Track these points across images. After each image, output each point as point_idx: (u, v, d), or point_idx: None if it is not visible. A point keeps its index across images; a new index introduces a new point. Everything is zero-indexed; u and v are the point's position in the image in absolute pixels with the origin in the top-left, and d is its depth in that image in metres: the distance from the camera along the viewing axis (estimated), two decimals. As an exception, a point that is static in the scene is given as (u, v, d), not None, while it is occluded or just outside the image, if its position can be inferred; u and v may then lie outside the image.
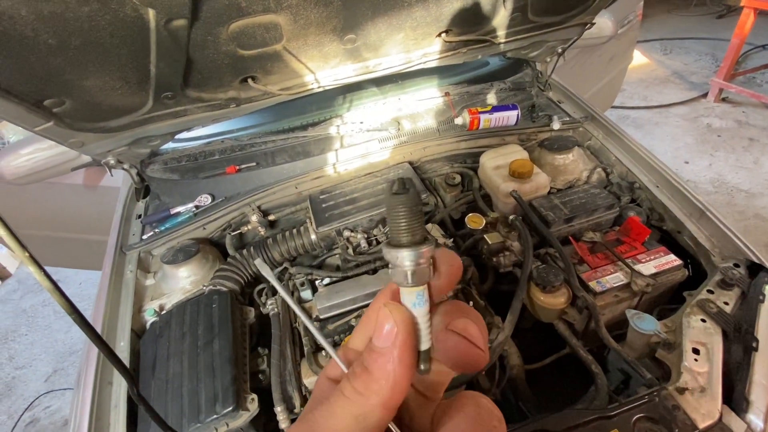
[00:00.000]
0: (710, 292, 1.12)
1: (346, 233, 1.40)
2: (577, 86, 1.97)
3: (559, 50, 1.67)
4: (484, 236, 1.42)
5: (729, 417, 0.90)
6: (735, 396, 0.94)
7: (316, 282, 1.37)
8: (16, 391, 2.73)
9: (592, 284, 1.20)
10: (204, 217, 1.50)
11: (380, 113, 1.74)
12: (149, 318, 1.30)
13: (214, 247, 1.53)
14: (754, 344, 0.96)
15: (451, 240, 1.46)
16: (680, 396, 0.94)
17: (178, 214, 1.54)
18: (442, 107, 1.77)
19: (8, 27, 0.76)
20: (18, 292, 3.59)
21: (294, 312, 1.26)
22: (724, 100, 4.09)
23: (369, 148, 1.62)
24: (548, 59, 1.75)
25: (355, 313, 1.21)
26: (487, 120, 1.64)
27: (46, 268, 0.42)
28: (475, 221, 1.46)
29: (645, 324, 1.06)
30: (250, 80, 1.23)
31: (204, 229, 1.51)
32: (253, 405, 1.07)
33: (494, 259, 1.41)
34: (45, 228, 2.37)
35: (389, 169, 1.57)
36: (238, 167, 1.58)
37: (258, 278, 1.48)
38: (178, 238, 1.49)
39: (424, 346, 0.31)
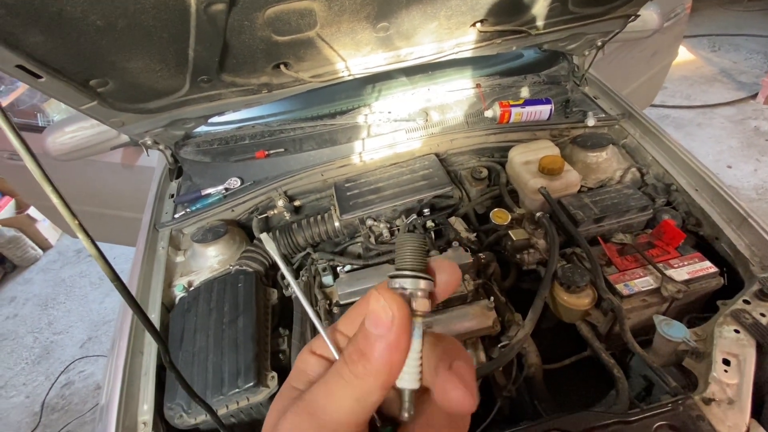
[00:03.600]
0: (746, 302, 1.07)
1: (369, 222, 1.41)
2: (616, 82, 1.89)
3: (599, 43, 1.60)
4: (509, 232, 1.40)
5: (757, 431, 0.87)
6: (765, 411, 0.90)
7: (338, 268, 1.40)
8: (54, 355, 2.93)
9: (619, 287, 1.16)
10: (233, 199, 1.54)
11: (408, 103, 1.73)
12: (178, 293, 1.36)
13: (242, 229, 1.58)
14: (791, 359, 0.92)
15: (474, 234, 1.44)
16: (706, 407, 0.91)
17: (208, 195, 1.60)
18: (473, 99, 1.74)
19: (60, 8, 0.80)
20: (58, 262, 3.82)
21: (315, 295, 1.29)
22: (776, 101, 3.83)
23: (396, 138, 1.62)
24: (586, 52, 1.69)
25: (375, 301, 1.23)
26: (518, 114, 1.60)
27: (79, 241, 0.45)
28: (500, 217, 1.44)
29: (674, 331, 1.03)
30: (282, 66, 1.25)
31: (232, 211, 1.56)
32: (273, 382, 1.11)
33: (518, 256, 1.39)
34: (84, 203, 2.51)
35: (415, 160, 1.57)
36: (267, 152, 1.62)
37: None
38: (207, 219, 1.54)
39: (411, 384, 0.30)
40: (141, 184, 2.02)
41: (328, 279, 1.38)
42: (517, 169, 1.54)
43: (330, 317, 1.22)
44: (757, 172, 3.20)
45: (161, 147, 1.58)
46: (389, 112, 1.70)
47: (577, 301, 1.18)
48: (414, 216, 1.47)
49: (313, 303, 1.28)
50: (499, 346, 1.21)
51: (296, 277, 1.37)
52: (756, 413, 0.89)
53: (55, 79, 0.98)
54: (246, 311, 1.19)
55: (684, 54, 4.90)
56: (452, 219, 1.52)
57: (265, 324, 1.24)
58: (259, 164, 1.61)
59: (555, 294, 1.22)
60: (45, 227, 3.93)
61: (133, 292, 1.30)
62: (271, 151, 1.62)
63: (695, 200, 1.33)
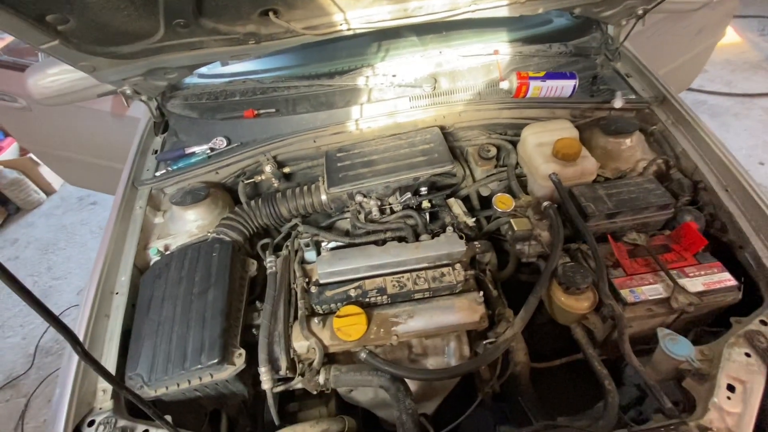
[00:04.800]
0: (763, 323, 0.96)
1: (359, 198, 1.30)
2: (653, 60, 1.68)
3: (640, 11, 1.39)
4: (511, 220, 1.28)
5: (757, 470, 0.78)
6: (769, 447, 0.81)
7: (323, 244, 1.31)
8: (51, 300, 2.97)
9: (624, 292, 1.05)
10: (218, 160, 1.44)
11: (416, 67, 1.56)
12: (153, 257, 1.30)
13: (227, 194, 1.49)
14: (809, 394, 0.81)
15: (474, 219, 1.33)
16: (703, 436, 0.82)
17: (192, 154, 1.49)
18: (488, 67, 1.56)
19: None
20: (60, 208, 3.82)
21: (294, 270, 1.21)
22: (825, 95, 3.49)
23: (398, 105, 1.47)
24: (624, 22, 1.48)
25: (356, 284, 1.14)
26: (537, 88, 1.43)
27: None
28: (503, 202, 1.31)
29: (678, 348, 0.93)
30: (271, 14, 1.10)
31: (217, 173, 1.46)
32: (240, 360, 1.05)
33: (518, 247, 1.28)
34: (73, 150, 2.43)
35: (417, 133, 1.43)
36: (256, 112, 1.49)
37: (267, 230, 1.44)
38: (189, 180, 1.45)
39: None
40: (131, 135, 1.92)
41: (311, 255, 1.29)
42: (529, 151, 1.39)
43: (307, 296, 1.15)
44: (792, 171, 2.96)
45: (143, 98, 1.46)
46: (394, 76, 1.53)
47: (575, 304, 1.07)
48: (408, 195, 1.35)
49: (291, 279, 1.20)
50: (484, 342, 1.13)
51: (275, 250, 1.28)
52: (757, 449, 0.80)
53: (6, 12, 0.86)
54: (218, 283, 1.12)
55: (731, 35, 4.46)
56: (451, 200, 1.40)
57: (239, 297, 1.17)
58: (247, 124, 1.49)
59: (552, 293, 1.12)
60: (48, 172, 3.90)
61: (104, 252, 1.24)
62: (261, 111, 1.49)
63: (723, 202, 1.18)
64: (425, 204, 1.37)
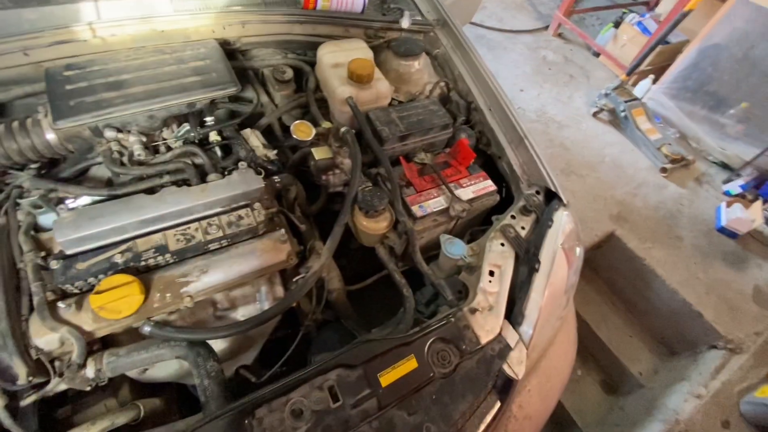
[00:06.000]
0: (513, 217, 1.19)
1: (110, 134, 0.98)
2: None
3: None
4: (312, 150, 1.20)
5: (507, 331, 1.00)
6: (514, 311, 1.04)
7: (67, 202, 0.97)
8: None
9: (415, 208, 1.14)
10: None
11: (178, -42, 1.20)
12: None
13: None
14: (536, 266, 1.06)
15: (275, 152, 1.19)
16: (471, 316, 0.99)
17: None
18: (271, -31, 1.33)
19: None
20: None
21: (20, 243, 0.87)
22: (560, 35, 4.51)
23: (155, 7, 1.12)
24: (408, -64, 1.45)
25: (123, 246, 0.90)
26: None
27: None
28: (302, 131, 1.21)
29: (455, 249, 1.07)
30: None
31: None
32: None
33: (323, 177, 1.22)
34: None
35: (185, 46, 1.13)
36: None
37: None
38: None
39: None
40: None
41: (48, 219, 0.95)
42: (326, 72, 1.30)
43: (46, 275, 0.84)
44: (539, 96, 3.81)
45: None
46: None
47: (375, 226, 1.11)
48: (187, 126, 1.10)
49: (15, 256, 0.86)
50: (294, 279, 1.09)
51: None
52: (508, 315, 1.02)
53: None
54: None
55: (503, -24, 5.19)
56: (247, 131, 1.21)
57: None
58: None
59: (355, 218, 1.13)
60: None
61: None
62: None
63: (488, 120, 1.37)
64: (214, 137, 1.15)
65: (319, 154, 1.19)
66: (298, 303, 1.19)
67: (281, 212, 1.13)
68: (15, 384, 0.79)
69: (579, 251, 1.20)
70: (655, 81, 3.36)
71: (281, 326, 1.25)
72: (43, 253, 0.87)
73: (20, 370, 0.78)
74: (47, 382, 0.84)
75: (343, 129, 1.20)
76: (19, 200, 0.92)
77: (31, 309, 0.83)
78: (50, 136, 0.94)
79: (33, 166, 1.01)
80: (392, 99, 1.37)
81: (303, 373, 0.85)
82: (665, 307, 2.31)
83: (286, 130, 1.36)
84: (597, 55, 4.22)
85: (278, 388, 0.81)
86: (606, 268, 2.60)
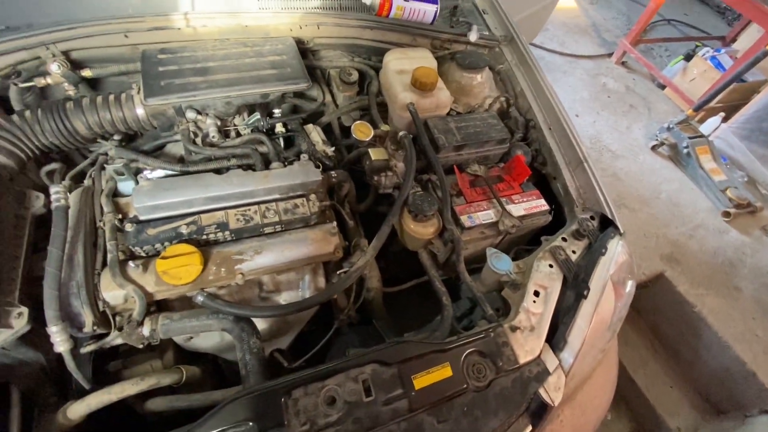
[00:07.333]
0: (564, 239, 1.16)
1: (191, 114, 1.06)
2: (505, 3, 1.75)
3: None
4: (369, 150, 1.23)
5: (547, 354, 0.97)
6: (556, 336, 1.01)
7: (144, 173, 1.05)
8: None
9: (463, 218, 1.14)
10: (-39, 48, 0.98)
11: (267, -40, 1.29)
12: None
13: (-10, 100, 1.05)
14: (585, 292, 1.02)
15: (333, 149, 1.24)
16: (512, 333, 0.97)
17: None
18: (351, -24, 1.39)
19: None
20: None
21: (101, 204, 0.95)
22: (623, 63, 4.36)
23: (243, 4, 1.21)
24: (485, -47, 1.47)
25: (189, 219, 0.96)
26: (400, 8, 1.34)
27: None
28: (362, 131, 1.25)
29: (501, 264, 1.06)
30: None
31: (-36, 67, 1.00)
32: (20, 321, 0.80)
33: (375, 178, 1.25)
34: None
35: (266, 41, 1.20)
36: (25, -19, 1.04)
37: (63, 153, 1.09)
38: None
39: None
40: None
41: (126, 185, 1.03)
42: (390, 78, 1.33)
43: (121, 236, 0.92)
44: (595, 123, 3.69)
45: None
46: (237, -34, 1.24)
47: (422, 230, 1.12)
48: (257, 116, 1.17)
49: (96, 216, 0.94)
50: (338, 273, 1.11)
51: (64, 177, 0.98)
52: (550, 339, 0.99)
53: None
54: (-31, 223, 0.80)
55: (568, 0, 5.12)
56: (309, 126, 1.27)
57: (12, 241, 0.87)
58: (12, -1, 1.04)
59: (403, 221, 1.15)
60: None
61: None
62: (34, -19, 1.05)
63: (547, 139, 1.35)
64: (279, 128, 1.21)
65: (376, 155, 1.22)
66: (336, 299, 1.22)
67: (333, 206, 1.17)
68: (81, 331, 0.86)
69: (630, 285, 1.14)
70: (725, 119, 3.16)
71: (313, 319, 1.28)
72: (120, 216, 0.95)
73: (87, 319, 0.85)
74: (106, 335, 0.91)
75: (401, 133, 1.23)
76: (105, 165, 1.01)
77: (103, 265, 0.91)
78: (140, 111, 1.03)
79: (116, 137, 1.11)
80: (451, 109, 1.38)
81: (340, 362, 0.86)
82: (714, 361, 2.14)
83: (343, 129, 1.41)
84: (662, 87, 4.03)
85: (315, 373, 0.83)
86: (651, 309, 2.45)
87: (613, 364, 1.27)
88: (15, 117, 0.98)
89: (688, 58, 3.77)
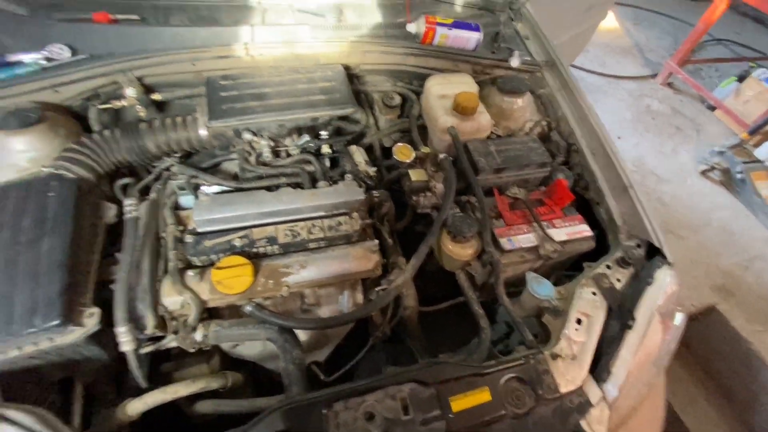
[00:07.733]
0: (608, 267, 1.13)
1: (248, 136, 1.14)
2: (546, 28, 1.77)
3: (542, -28, 1.43)
4: (408, 171, 1.27)
5: (589, 385, 0.95)
6: (599, 366, 0.98)
7: (203, 188, 1.14)
8: None
9: (503, 241, 1.14)
10: (57, 74, 1.12)
11: (321, -8, 1.38)
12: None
13: (74, 121, 1.18)
14: (630, 323, 0.99)
15: (375, 169, 1.29)
16: (552, 361, 0.96)
17: (19, 63, 1.14)
18: (397, 6, 1.46)
19: None
20: None
21: (164, 216, 1.04)
22: (669, 84, 4.21)
23: (297, 34, 1.30)
24: (528, -18, 1.51)
25: (242, 233, 1.03)
26: (444, 36, 1.39)
27: None
28: (403, 153, 1.29)
29: (542, 289, 1.05)
30: None
31: (56, 91, 1.14)
32: (91, 320, 0.88)
33: (414, 198, 1.28)
34: None
35: (317, 68, 1.29)
36: (112, 16, 1.17)
37: (130, 168, 1.20)
38: (15, 97, 1.11)
39: None
40: None
41: (186, 199, 1.12)
42: (431, 102, 1.37)
43: (181, 246, 1.00)
44: (638, 146, 3.57)
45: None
46: (293, -1, 1.34)
47: (460, 251, 1.13)
48: (306, 137, 1.24)
49: (160, 227, 1.03)
50: (376, 290, 1.14)
51: (142, 193, 1.08)
52: (593, 369, 0.97)
53: None
54: (56, 230, 0.90)
55: (610, 20, 5.03)
56: (353, 147, 1.33)
57: (89, 248, 0.96)
58: (100, 31, 1.17)
59: (441, 241, 1.16)
60: None
61: None
62: (120, 17, 1.18)
63: (589, 164, 1.34)
64: (325, 149, 1.28)
65: (416, 176, 1.25)
66: (372, 316, 1.25)
67: (373, 225, 1.21)
68: (143, 333, 0.93)
69: (680, 318, 1.09)
70: (784, 144, 2.98)
71: (349, 335, 1.30)
72: (181, 228, 1.03)
73: (149, 322, 0.92)
74: (162, 338, 0.98)
75: (441, 155, 1.26)
76: (169, 181, 1.11)
77: (164, 272, 0.98)
78: (203, 132, 1.13)
79: (176, 155, 1.21)
80: (491, 132, 1.40)
81: (378, 379, 0.88)
82: (775, 405, 1.97)
83: (384, 150, 1.46)
84: (712, 108, 3.85)
85: (355, 387, 0.85)
86: (701, 344, 2.29)
87: (660, 401, 1.21)
88: (95, 135, 1.10)
89: (742, 78, 3.60)
